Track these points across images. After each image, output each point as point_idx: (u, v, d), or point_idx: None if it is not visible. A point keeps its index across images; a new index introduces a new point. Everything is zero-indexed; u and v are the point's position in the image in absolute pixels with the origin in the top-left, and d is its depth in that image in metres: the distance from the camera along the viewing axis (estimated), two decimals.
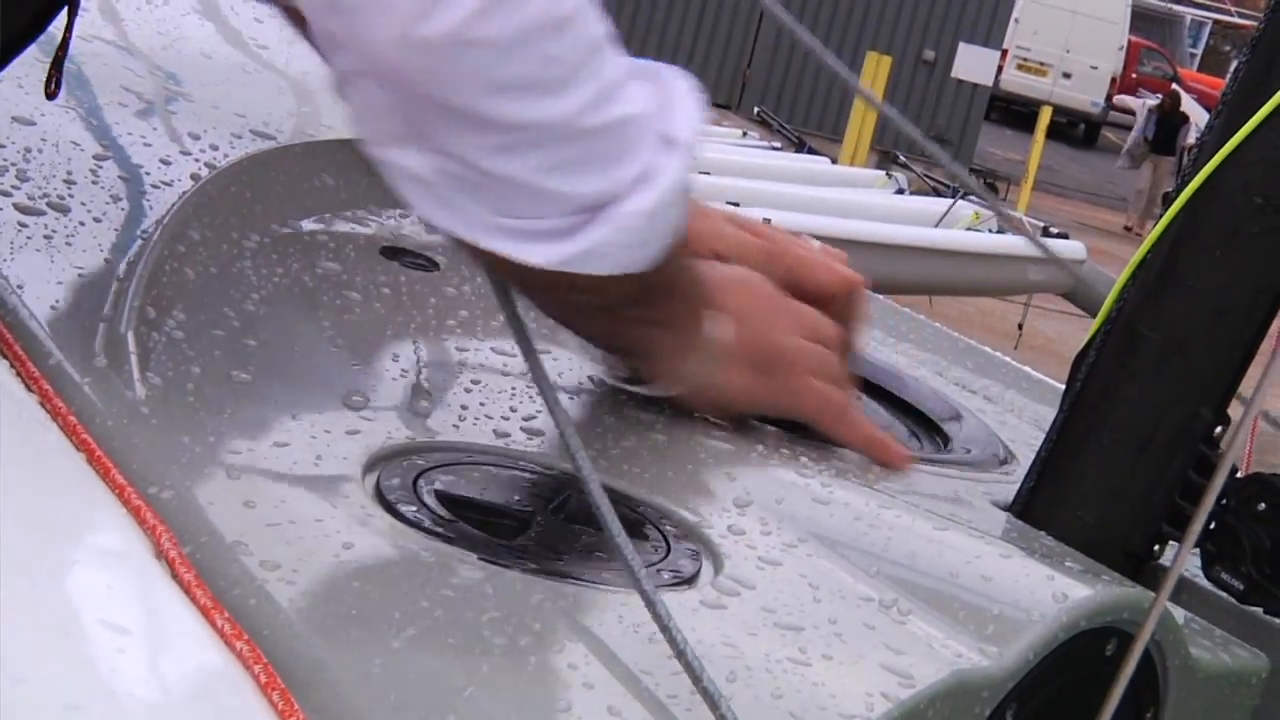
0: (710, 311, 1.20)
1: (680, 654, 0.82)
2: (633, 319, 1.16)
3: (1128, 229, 21.58)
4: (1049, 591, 1.00)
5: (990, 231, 9.68)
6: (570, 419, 0.94)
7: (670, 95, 1.06)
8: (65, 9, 1.18)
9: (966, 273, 9.09)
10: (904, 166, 10.97)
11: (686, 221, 1.09)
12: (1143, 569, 1.19)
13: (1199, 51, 41.25)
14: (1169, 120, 22.30)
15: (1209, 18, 40.23)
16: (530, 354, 1.00)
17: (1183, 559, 0.97)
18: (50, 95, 1.25)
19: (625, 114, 1.00)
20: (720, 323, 1.21)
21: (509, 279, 1.05)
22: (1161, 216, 1.19)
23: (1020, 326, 10.41)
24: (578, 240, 1.00)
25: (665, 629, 0.83)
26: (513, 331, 1.00)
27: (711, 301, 1.20)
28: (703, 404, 1.22)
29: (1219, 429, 1.19)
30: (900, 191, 10.38)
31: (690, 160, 1.04)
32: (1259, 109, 1.15)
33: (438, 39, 0.91)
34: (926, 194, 10.64)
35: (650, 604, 0.84)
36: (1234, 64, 1.21)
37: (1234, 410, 1.20)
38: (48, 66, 1.24)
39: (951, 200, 9.73)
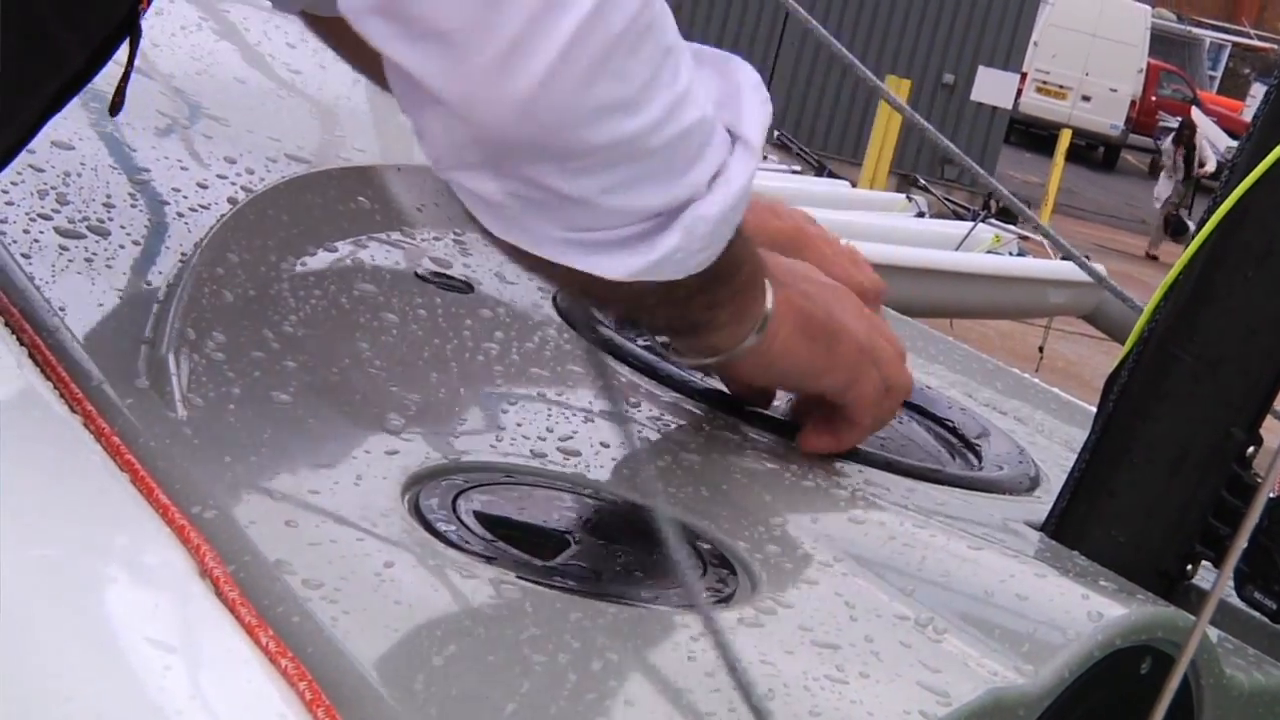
0: (774, 282, 1.18)
1: (733, 670, 0.83)
2: (697, 304, 1.15)
3: (1151, 257, 21.59)
4: (1084, 610, 1.00)
5: (1010, 254, 9.68)
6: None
7: (738, 88, 1.05)
8: (127, 39, 1.19)
9: (987, 296, 9.10)
10: (924, 190, 10.98)
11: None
12: (1175, 588, 1.19)
13: (1218, 74, 41.18)
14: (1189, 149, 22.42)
15: (1228, 40, 40.21)
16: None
17: (1223, 582, 0.98)
18: (113, 111, 1.26)
19: (694, 119, 0.99)
20: (781, 292, 1.19)
21: (576, 286, 1.06)
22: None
23: (1041, 349, 10.40)
24: (650, 250, 1.00)
25: (721, 646, 0.84)
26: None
27: (773, 274, 1.19)
28: (758, 375, 1.22)
29: (1251, 449, 1.19)
30: (920, 215, 10.39)
31: (757, 157, 1.04)
32: None
33: (518, 90, 0.91)
34: (946, 217, 10.64)
35: (708, 621, 0.85)
36: (1254, 86, 1.21)
37: (1266, 430, 1.20)
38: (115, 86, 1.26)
39: (972, 224, 9.74)
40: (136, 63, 1.20)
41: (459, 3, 0.90)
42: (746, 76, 1.07)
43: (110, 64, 1.12)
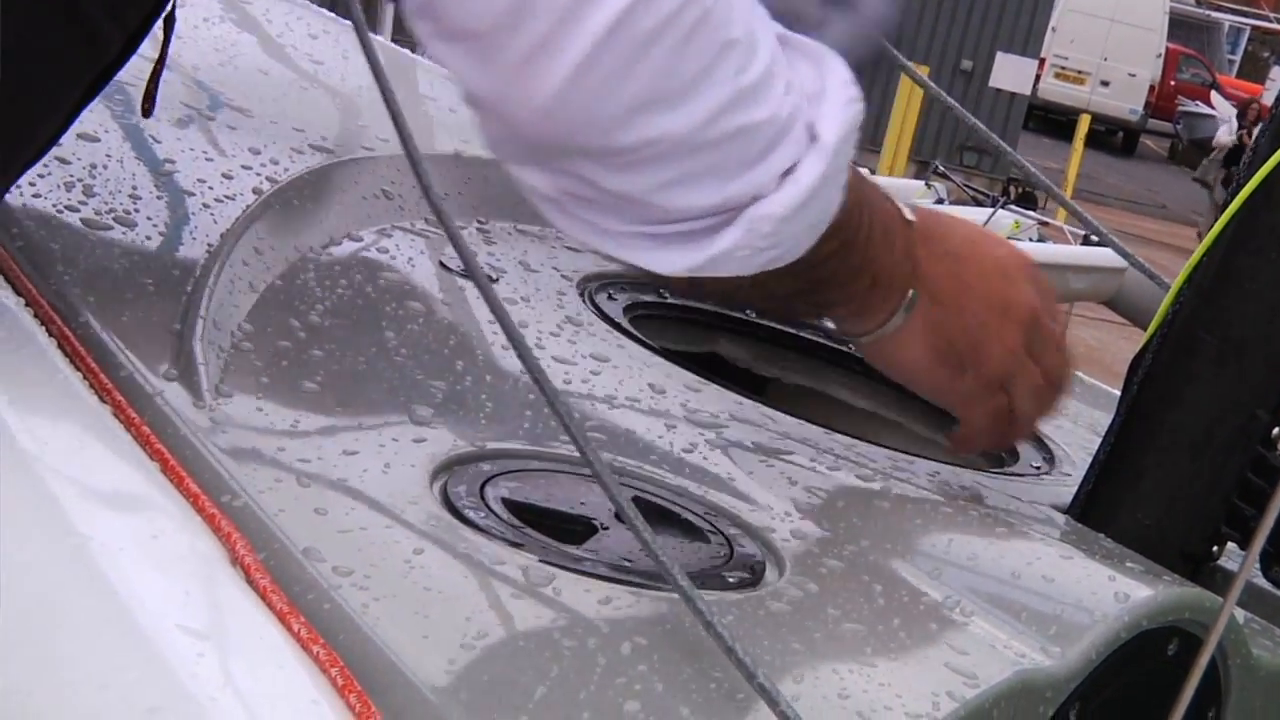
0: (920, 291, 1.18)
1: (729, 651, 0.83)
2: (801, 305, 1.16)
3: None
4: (1110, 592, 1.01)
5: (1030, 241, 9.65)
6: (574, 417, 0.92)
7: (826, 84, 1.03)
8: (162, 29, 1.20)
9: None
10: (943, 176, 10.95)
11: (837, 214, 1.06)
12: (1201, 570, 1.19)
13: (1237, 58, 41.02)
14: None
15: (1247, 24, 40.03)
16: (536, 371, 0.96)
17: (1250, 563, 0.98)
18: (145, 113, 1.27)
19: (763, 115, 0.96)
20: (920, 305, 1.18)
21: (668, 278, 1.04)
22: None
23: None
24: (708, 245, 0.99)
25: (709, 625, 0.84)
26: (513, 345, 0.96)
27: (924, 284, 1.18)
28: (883, 366, 1.23)
29: (1276, 430, 1.19)
30: (940, 201, 10.36)
31: (836, 158, 1.01)
32: None
33: (544, 90, 0.91)
34: (966, 204, 10.62)
35: (690, 600, 0.85)
36: (1273, 69, 1.21)
37: None
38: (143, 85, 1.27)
39: (992, 210, 9.71)
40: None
41: (489, 4, 0.90)
42: (834, 72, 1.04)
43: (137, 58, 1.13)
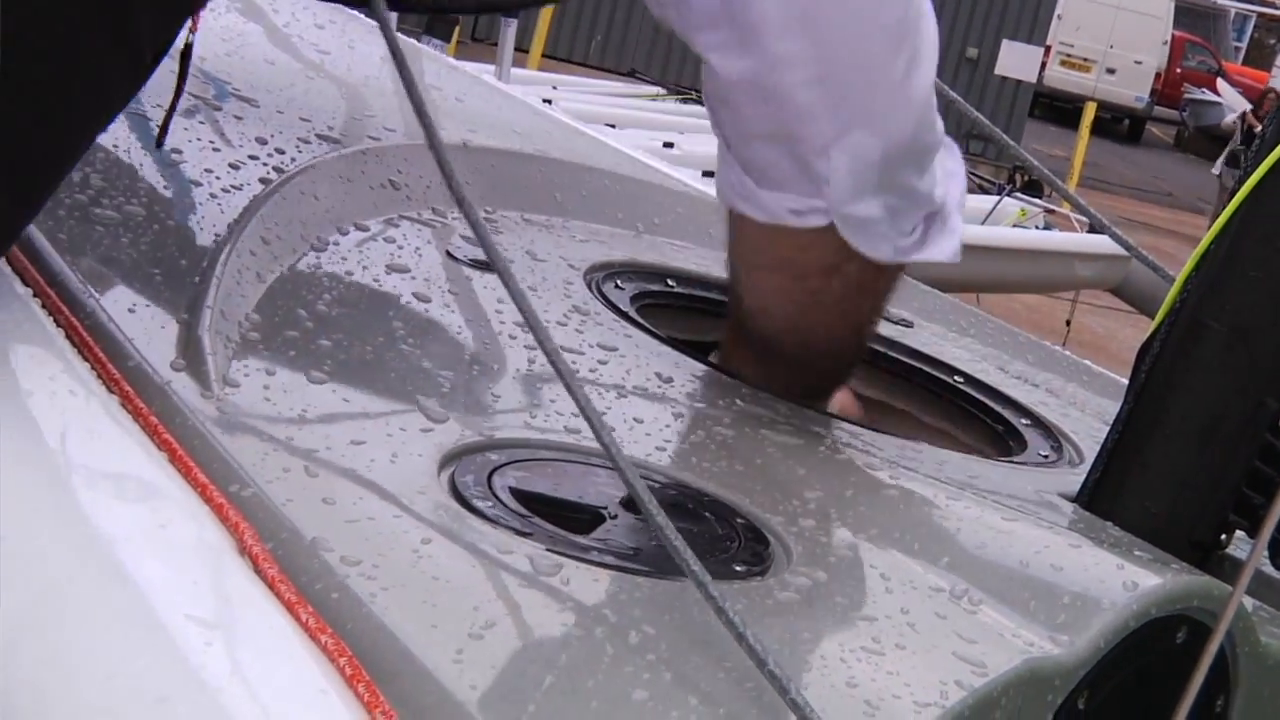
0: None
1: (741, 638, 0.83)
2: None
3: None
4: (1119, 580, 1.00)
5: (1036, 228, 9.64)
6: (598, 413, 0.94)
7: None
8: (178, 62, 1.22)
9: (1014, 270, 9.06)
10: None
11: None
12: (1210, 558, 1.19)
13: (1243, 45, 40.95)
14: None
15: (1253, 11, 39.95)
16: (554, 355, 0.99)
17: (1259, 551, 0.98)
18: (159, 144, 1.29)
19: None
20: None
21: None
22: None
23: (1068, 323, 10.35)
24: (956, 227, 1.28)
25: (721, 612, 0.84)
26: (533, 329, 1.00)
27: None
28: None
29: None
30: None
31: None
32: None
33: (915, 98, 1.17)
34: (972, 192, 10.60)
35: (702, 587, 0.85)
36: (1279, 56, 1.22)
37: None
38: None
39: (998, 198, 9.70)
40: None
41: (872, 43, 1.14)
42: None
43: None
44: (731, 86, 1.16)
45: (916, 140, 1.19)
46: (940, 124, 1.22)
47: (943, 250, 1.25)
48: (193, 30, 1.20)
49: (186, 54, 1.23)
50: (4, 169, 0.95)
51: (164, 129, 1.29)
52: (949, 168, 1.27)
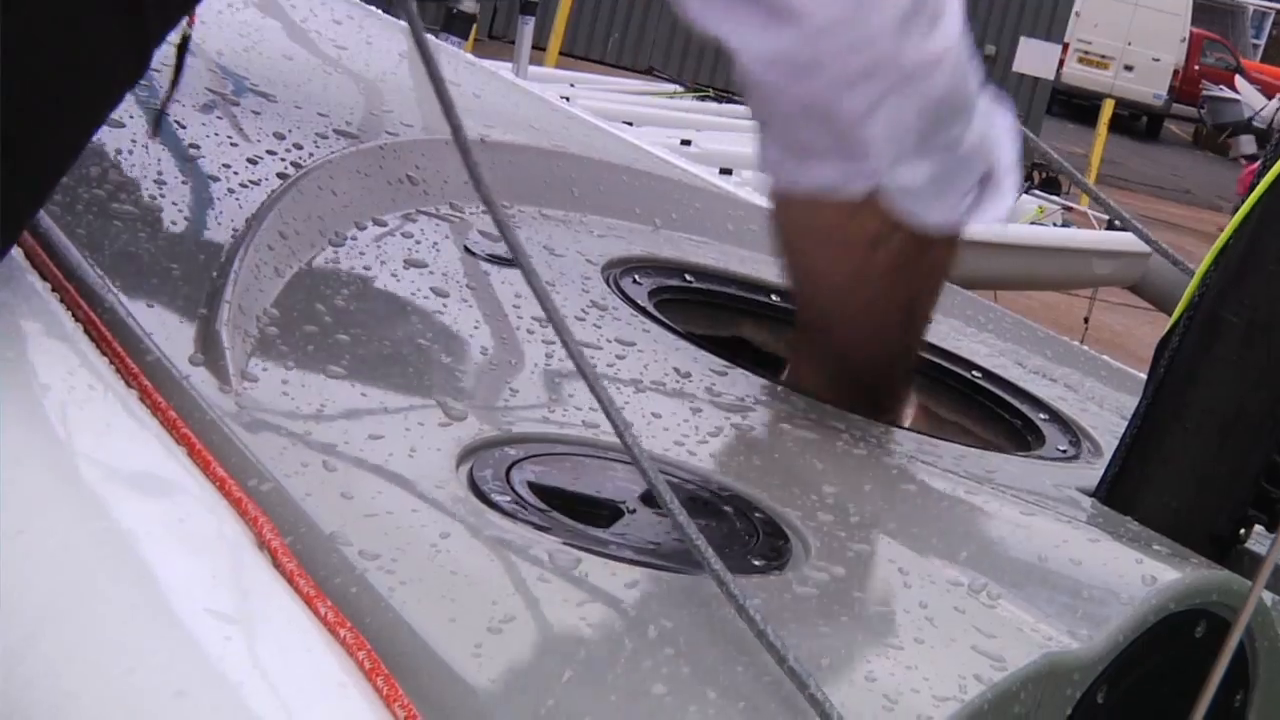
0: None
1: (761, 634, 0.83)
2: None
3: None
4: (1138, 575, 1.00)
5: (1055, 225, 9.62)
6: (613, 401, 0.94)
7: None
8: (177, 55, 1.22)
9: (1032, 267, 9.03)
10: None
11: None
12: (1229, 553, 1.19)
13: (1262, 42, 40.80)
14: None
15: (1272, 8, 39.83)
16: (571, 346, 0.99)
17: (1279, 546, 0.97)
18: (152, 136, 1.29)
19: None
20: None
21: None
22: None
23: (1086, 320, 10.32)
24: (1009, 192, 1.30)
25: (740, 607, 0.84)
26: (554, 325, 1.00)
27: None
28: None
29: None
30: None
31: None
32: None
33: (947, 49, 1.17)
34: None
35: (721, 582, 0.85)
36: None
37: None
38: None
39: (1016, 194, 9.68)
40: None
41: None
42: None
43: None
44: (768, 66, 1.15)
45: (953, 92, 1.19)
46: (977, 74, 1.22)
47: (993, 213, 1.28)
48: (190, 24, 1.20)
49: (183, 47, 1.23)
50: (13, 158, 0.96)
51: (157, 121, 1.29)
52: (999, 124, 1.27)
